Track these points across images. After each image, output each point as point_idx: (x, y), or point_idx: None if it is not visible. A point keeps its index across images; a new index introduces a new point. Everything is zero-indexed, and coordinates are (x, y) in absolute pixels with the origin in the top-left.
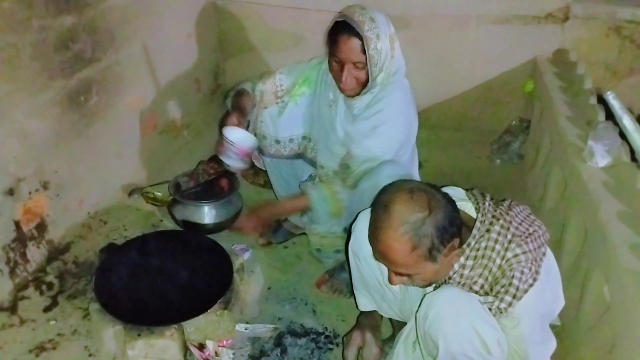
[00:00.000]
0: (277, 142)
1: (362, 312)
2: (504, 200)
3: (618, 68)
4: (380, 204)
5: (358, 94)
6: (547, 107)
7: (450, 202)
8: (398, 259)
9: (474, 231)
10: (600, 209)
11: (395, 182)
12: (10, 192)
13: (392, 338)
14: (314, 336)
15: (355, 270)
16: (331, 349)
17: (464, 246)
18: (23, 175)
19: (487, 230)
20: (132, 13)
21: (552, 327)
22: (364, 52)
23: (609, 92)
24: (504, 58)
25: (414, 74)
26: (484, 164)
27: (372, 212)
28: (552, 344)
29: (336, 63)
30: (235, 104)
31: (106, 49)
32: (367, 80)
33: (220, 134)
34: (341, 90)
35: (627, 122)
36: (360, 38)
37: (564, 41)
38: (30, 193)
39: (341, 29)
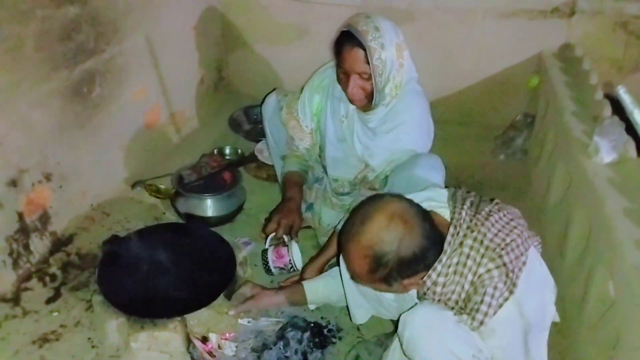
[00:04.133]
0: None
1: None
2: (492, 200)
3: (624, 64)
4: (361, 213)
5: (367, 105)
6: (552, 102)
7: (430, 237)
8: (354, 270)
9: (445, 246)
10: (606, 205)
11: (386, 196)
12: (13, 183)
13: (394, 333)
14: (317, 330)
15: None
16: (334, 343)
17: (436, 263)
18: (26, 167)
19: (460, 244)
20: (135, 4)
21: (553, 323)
22: (368, 62)
23: (620, 86)
24: (509, 52)
25: (418, 68)
26: (487, 159)
27: (352, 213)
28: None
29: (343, 74)
30: (293, 197)
31: (109, 40)
32: (371, 92)
33: (269, 228)
34: (350, 101)
35: (637, 116)
36: (364, 48)
37: (570, 36)
38: (33, 184)
39: (345, 40)
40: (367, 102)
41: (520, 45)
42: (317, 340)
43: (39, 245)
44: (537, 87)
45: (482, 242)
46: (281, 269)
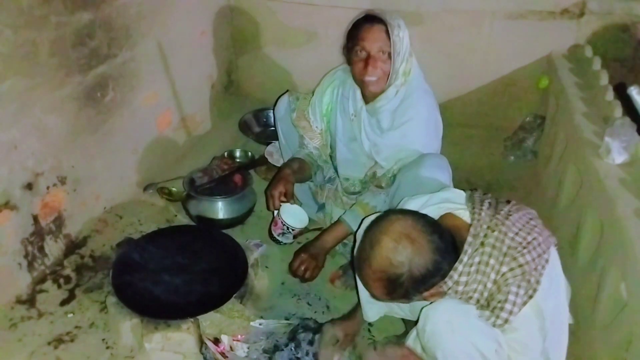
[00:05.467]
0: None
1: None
2: (508, 201)
3: (634, 64)
4: (369, 237)
5: (382, 87)
6: (563, 103)
7: (440, 249)
8: (373, 292)
9: (466, 246)
10: (617, 206)
11: (390, 216)
12: (29, 186)
13: (404, 335)
14: None
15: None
16: None
17: (457, 263)
18: (41, 170)
19: (482, 244)
20: (147, 10)
21: None
22: (388, 38)
23: (632, 87)
24: (519, 54)
25: (427, 70)
26: (497, 161)
27: (363, 237)
28: None
29: (360, 53)
30: (283, 168)
31: (122, 46)
32: (389, 73)
33: (269, 205)
34: (365, 85)
35: None
36: (385, 24)
37: (579, 37)
38: (48, 188)
39: (364, 21)
40: (382, 84)
41: (530, 47)
42: None
43: (54, 247)
44: (546, 88)
45: (503, 241)
46: (283, 234)
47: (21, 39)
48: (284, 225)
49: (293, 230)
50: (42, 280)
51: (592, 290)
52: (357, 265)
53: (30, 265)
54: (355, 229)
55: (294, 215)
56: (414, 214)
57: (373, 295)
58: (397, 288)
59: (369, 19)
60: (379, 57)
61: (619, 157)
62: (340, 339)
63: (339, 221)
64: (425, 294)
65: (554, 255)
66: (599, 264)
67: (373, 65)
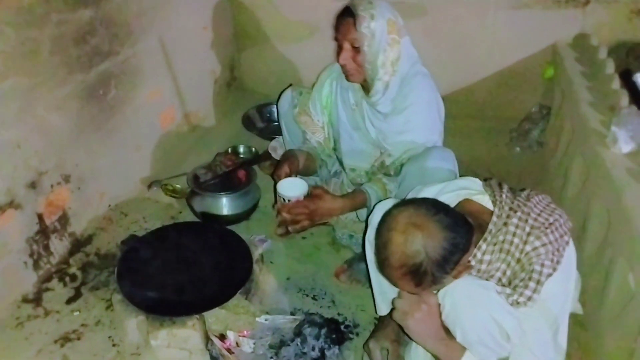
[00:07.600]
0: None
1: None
2: (523, 189)
3: None
4: (380, 239)
5: (360, 80)
6: (568, 93)
7: (449, 225)
8: (405, 289)
9: (491, 226)
10: (625, 196)
11: (392, 211)
12: (33, 185)
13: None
14: (334, 326)
15: (373, 263)
16: (351, 339)
17: (481, 241)
18: (45, 169)
19: (505, 224)
20: (148, 6)
21: (575, 316)
22: (356, 30)
23: (638, 73)
24: (523, 44)
25: (431, 61)
26: (503, 152)
27: (375, 241)
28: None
29: (338, 47)
30: (284, 155)
31: (123, 42)
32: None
33: (275, 190)
34: (345, 76)
35: None
36: (353, 16)
37: (584, 25)
38: (52, 186)
39: (341, 13)
40: (360, 76)
41: (535, 36)
42: (334, 336)
43: (59, 246)
44: (552, 78)
45: (526, 221)
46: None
47: (22, 38)
48: (280, 197)
49: (289, 201)
50: (48, 278)
51: (600, 281)
52: (380, 270)
53: (35, 264)
54: (372, 205)
55: (291, 187)
56: (413, 202)
57: (403, 290)
58: (423, 277)
59: (342, 11)
60: (348, 49)
61: (626, 146)
62: (389, 347)
63: (360, 190)
64: (453, 273)
65: (571, 240)
66: (607, 254)
67: (342, 57)
